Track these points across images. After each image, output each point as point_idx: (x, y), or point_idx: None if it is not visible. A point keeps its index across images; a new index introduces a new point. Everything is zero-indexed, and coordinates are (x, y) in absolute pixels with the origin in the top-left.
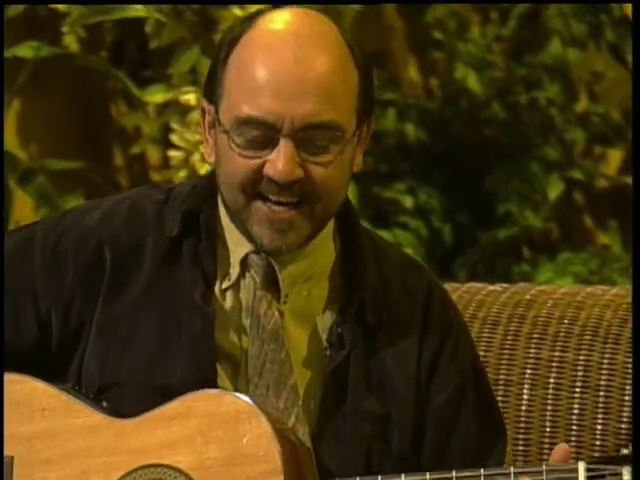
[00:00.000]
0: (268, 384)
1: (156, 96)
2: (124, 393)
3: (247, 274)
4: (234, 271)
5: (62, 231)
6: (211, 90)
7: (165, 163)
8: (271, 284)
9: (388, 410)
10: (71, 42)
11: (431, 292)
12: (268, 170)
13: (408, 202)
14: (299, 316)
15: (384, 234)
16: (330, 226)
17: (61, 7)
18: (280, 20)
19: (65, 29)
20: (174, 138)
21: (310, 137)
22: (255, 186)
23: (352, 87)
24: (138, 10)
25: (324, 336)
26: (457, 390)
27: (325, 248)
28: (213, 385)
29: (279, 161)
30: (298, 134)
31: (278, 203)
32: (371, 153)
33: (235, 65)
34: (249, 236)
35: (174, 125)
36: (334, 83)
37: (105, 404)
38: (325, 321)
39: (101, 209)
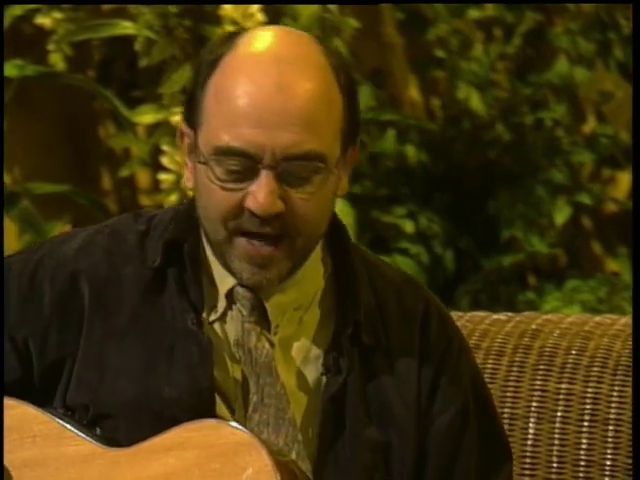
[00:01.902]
0: (267, 420)
1: (146, 117)
2: (118, 422)
3: (234, 307)
4: (220, 304)
5: (39, 260)
6: (190, 114)
7: (155, 187)
8: (260, 316)
9: (389, 437)
10: (57, 60)
11: (428, 309)
12: (249, 203)
13: (408, 227)
14: (291, 345)
15: (384, 259)
16: (318, 250)
17: (47, 24)
18: (261, 43)
19: (51, 47)
20: (165, 160)
21: (292, 169)
22: (236, 220)
23: (336, 113)
24: (127, 27)
25: (319, 362)
26: (460, 411)
27: (314, 274)
28: (211, 413)
29: (260, 194)
30: (279, 165)
31: (258, 236)
32: (370, 176)
33: (214, 91)
34: (230, 270)
35: (165, 147)
36: (317, 111)
37: (99, 431)
38: (318, 347)
39: (80, 238)
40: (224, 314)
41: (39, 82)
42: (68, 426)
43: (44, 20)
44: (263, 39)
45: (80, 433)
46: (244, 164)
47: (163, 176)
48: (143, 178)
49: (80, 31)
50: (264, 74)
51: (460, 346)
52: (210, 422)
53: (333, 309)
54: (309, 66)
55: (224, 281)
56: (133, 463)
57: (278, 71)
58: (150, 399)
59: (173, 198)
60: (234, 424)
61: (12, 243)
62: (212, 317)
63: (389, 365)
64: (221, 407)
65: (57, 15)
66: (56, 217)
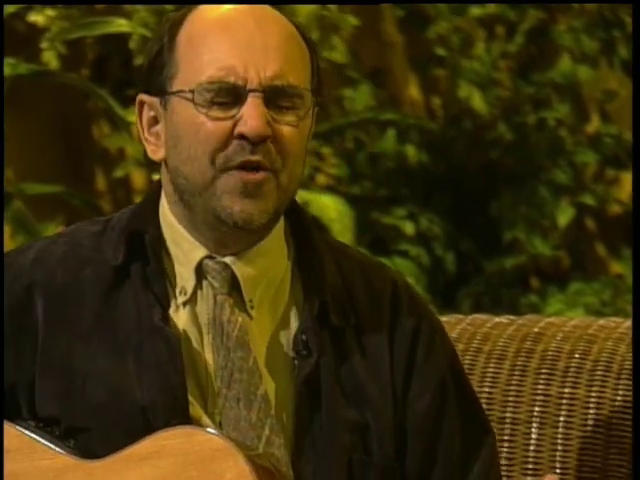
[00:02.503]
0: (238, 395)
1: None
2: (91, 430)
3: (204, 282)
4: (189, 283)
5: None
6: (153, 80)
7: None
8: (232, 289)
9: (365, 418)
10: (51, 59)
11: (397, 290)
12: (240, 128)
13: (409, 228)
14: (265, 324)
15: (383, 262)
16: (281, 227)
17: (40, 22)
18: (225, 4)
19: (44, 45)
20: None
21: (276, 97)
22: (226, 152)
23: (306, 59)
24: (122, 25)
25: (290, 344)
26: (438, 393)
27: (279, 248)
28: (185, 411)
29: (250, 116)
30: (265, 93)
31: (248, 166)
32: (369, 176)
33: (187, 40)
34: (210, 224)
35: None
36: (293, 50)
37: (72, 442)
38: (289, 329)
39: (36, 248)
40: (194, 293)
41: (32, 81)
42: (40, 439)
43: (37, 18)
44: (226, 3)
45: (53, 446)
46: (231, 91)
47: (158, 176)
48: (138, 178)
49: (74, 29)
50: (242, 17)
51: (432, 325)
52: (184, 429)
53: (300, 291)
54: (279, 18)
55: (191, 257)
56: (109, 475)
57: (254, 15)
58: (122, 401)
59: None
60: (210, 430)
61: (5, 244)
62: (181, 299)
63: (360, 346)
64: (194, 401)
65: (50, 13)
66: (49, 218)
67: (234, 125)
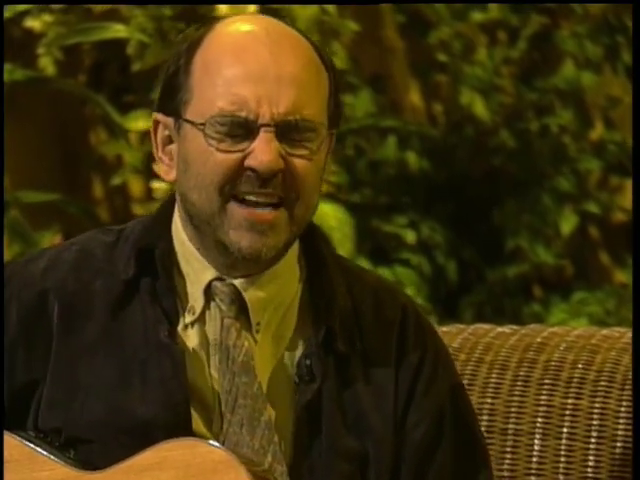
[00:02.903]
0: (241, 421)
1: (139, 123)
2: (92, 443)
3: (212, 304)
4: (198, 303)
5: (6, 279)
6: (169, 101)
7: (148, 195)
8: (239, 311)
9: (365, 447)
10: (47, 65)
11: (406, 317)
12: (250, 162)
13: (410, 237)
14: (270, 348)
15: (384, 271)
16: (295, 249)
17: (37, 27)
18: (245, 22)
19: (41, 50)
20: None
21: (289, 131)
22: (234, 183)
23: (324, 88)
24: (119, 31)
25: (294, 369)
26: (434, 423)
27: (291, 272)
28: (188, 428)
29: (261, 150)
30: (278, 127)
31: (256, 203)
32: (370, 184)
33: (202, 65)
34: (219, 251)
35: None
36: (308, 82)
37: (72, 453)
38: (294, 352)
39: (47, 257)
40: (202, 313)
41: (28, 87)
42: (40, 450)
43: (33, 23)
44: (245, 19)
45: (52, 457)
46: (243, 125)
47: (156, 184)
48: (136, 186)
49: (71, 34)
50: (257, 44)
51: (437, 355)
52: (187, 441)
53: (309, 316)
54: (297, 43)
55: (201, 277)
56: None
57: (270, 41)
58: (123, 418)
59: None
60: (211, 442)
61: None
62: (189, 318)
63: (365, 373)
64: (198, 420)
65: (47, 18)
66: (45, 227)
67: (244, 158)
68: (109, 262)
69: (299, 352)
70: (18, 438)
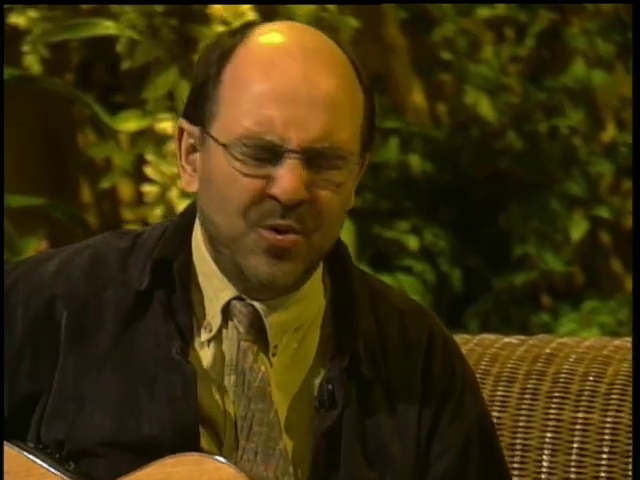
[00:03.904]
0: (256, 449)
1: (129, 124)
2: (95, 459)
3: (230, 323)
4: (214, 321)
5: (13, 283)
6: (196, 110)
7: (139, 199)
8: (257, 334)
9: (384, 479)
10: (33, 63)
11: (433, 340)
12: (274, 190)
13: (412, 243)
14: (288, 371)
15: (385, 279)
16: (319, 271)
17: (22, 24)
18: (279, 33)
19: (26, 48)
20: (149, 171)
21: (316, 159)
22: (258, 209)
23: (358, 111)
24: (108, 27)
25: (313, 393)
26: (459, 456)
27: (315, 293)
28: (195, 449)
29: (285, 179)
30: (305, 154)
31: (278, 231)
32: (371, 188)
33: (232, 79)
34: (236, 275)
35: (149, 156)
36: (342, 104)
37: (72, 466)
38: (315, 376)
39: (58, 259)
40: (219, 332)
41: (13, 86)
42: (39, 461)
43: (18, 19)
44: (280, 30)
45: (52, 469)
46: (268, 149)
47: (147, 188)
48: (125, 190)
49: (57, 31)
50: (288, 61)
51: (464, 382)
52: (193, 456)
53: (331, 338)
54: (334, 59)
55: (220, 295)
56: None
57: (303, 58)
58: (129, 436)
59: (158, 212)
60: (218, 458)
61: None
62: (205, 337)
63: (388, 401)
64: (207, 439)
65: (32, 14)
66: (31, 232)
67: (267, 184)
68: (123, 270)
69: (321, 376)
70: (16, 449)
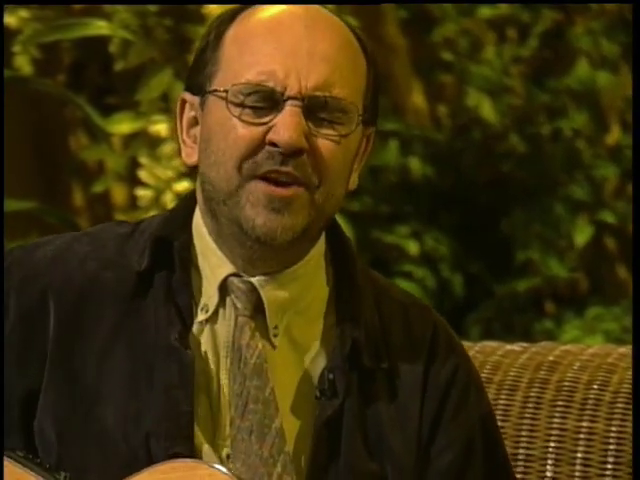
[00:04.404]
0: (251, 427)
1: (122, 126)
2: (87, 459)
3: (227, 300)
4: (212, 300)
5: (7, 267)
6: (196, 78)
7: (132, 203)
8: (256, 312)
9: (385, 470)
10: (24, 64)
11: (437, 336)
12: (272, 136)
13: (412, 248)
14: (291, 354)
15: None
16: (320, 252)
17: (12, 23)
18: (282, 5)
19: (17, 49)
20: (143, 174)
21: (317, 109)
22: (254, 159)
23: (360, 73)
24: (101, 27)
25: (315, 382)
26: (462, 452)
27: (315, 275)
28: (189, 439)
29: (284, 125)
30: (305, 102)
31: (276, 181)
32: (370, 192)
33: (233, 39)
34: (235, 238)
35: (143, 159)
36: (345, 59)
37: (63, 475)
38: (317, 365)
39: (55, 245)
40: (215, 312)
41: (3, 87)
42: (28, 471)
43: (9, 19)
44: (283, 4)
45: (42, 479)
46: (269, 99)
47: (141, 192)
48: (118, 194)
49: (49, 31)
50: (292, 19)
51: (469, 379)
52: (186, 462)
53: (333, 327)
54: (335, 23)
55: (218, 272)
56: None
57: (307, 17)
58: (129, 428)
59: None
60: (213, 465)
61: None
62: (202, 317)
63: (390, 393)
64: (206, 419)
65: (23, 14)
66: (22, 237)
67: (266, 132)
68: (121, 254)
69: (321, 363)
70: (7, 459)
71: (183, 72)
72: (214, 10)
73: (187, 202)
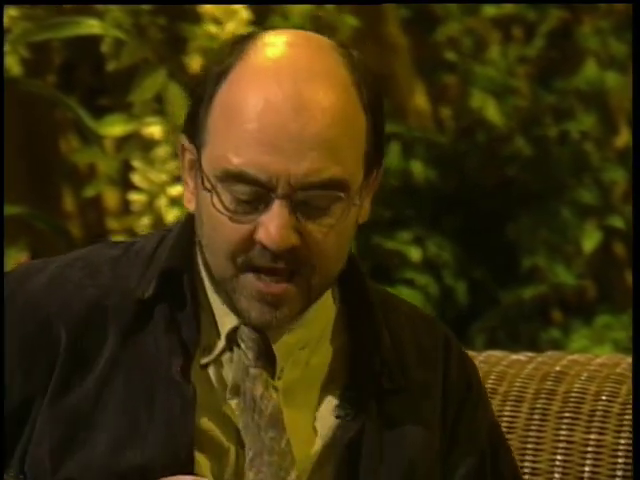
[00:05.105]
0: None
1: (114, 128)
2: None
3: (235, 349)
4: (218, 345)
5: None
6: (192, 130)
7: (125, 208)
8: (264, 359)
9: None
10: (13, 64)
11: (449, 349)
12: (260, 236)
13: (414, 254)
14: (296, 390)
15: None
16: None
17: None
18: (275, 52)
19: (6, 48)
20: (136, 178)
21: (309, 198)
22: (246, 254)
23: (359, 136)
24: (93, 26)
25: (332, 405)
26: (475, 467)
27: (323, 309)
28: (189, 473)
29: (272, 226)
30: (295, 195)
31: (270, 271)
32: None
33: (222, 108)
34: (234, 309)
35: (136, 163)
36: (338, 135)
37: None
38: (332, 388)
39: (48, 272)
40: (219, 356)
41: None
42: None
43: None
44: (277, 47)
45: None
46: (255, 192)
47: (134, 196)
48: (111, 199)
49: (39, 30)
50: (279, 92)
51: (479, 391)
52: (185, 479)
53: (345, 346)
54: (329, 82)
55: (225, 319)
56: None
57: (295, 89)
58: (123, 459)
59: (145, 221)
60: None
61: None
62: (205, 359)
63: (410, 412)
64: (210, 464)
65: (12, 12)
66: (11, 243)
67: (255, 229)
68: (117, 278)
69: (337, 387)
70: None
71: (177, 72)
72: (210, 8)
73: (187, 230)
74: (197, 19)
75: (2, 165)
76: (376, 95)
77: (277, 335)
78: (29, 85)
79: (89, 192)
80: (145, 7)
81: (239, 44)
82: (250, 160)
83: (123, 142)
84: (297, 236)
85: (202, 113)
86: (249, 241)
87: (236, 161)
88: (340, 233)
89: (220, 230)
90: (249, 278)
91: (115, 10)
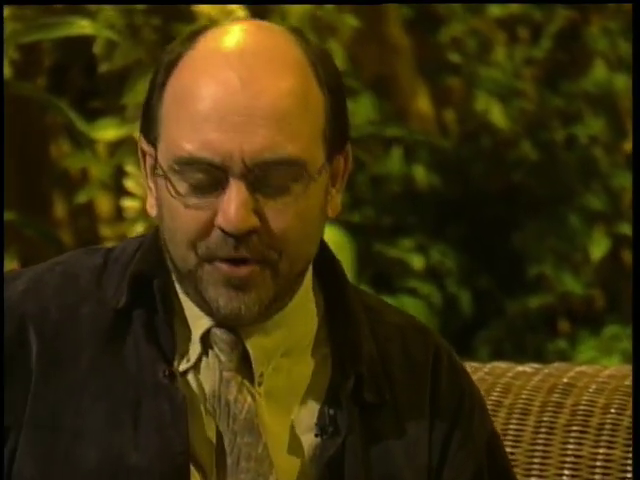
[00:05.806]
0: None
1: (107, 132)
2: None
3: (210, 352)
4: (194, 350)
5: None
6: (148, 128)
7: (118, 215)
8: (241, 363)
9: None
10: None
11: (439, 360)
12: (218, 220)
13: (417, 263)
14: (278, 399)
15: (388, 301)
16: (307, 287)
17: None
18: (225, 38)
19: None
20: (129, 184)
21: (266, 176)
22: (207, 242)
23: (316, 113)
24: (84, 27)
25: (312, 420)
26: None
27: (303, 314)
28: (185, 479)
29: (230, 208)
30: (251, 174)
31: (234, 263)
32: (371, 202)
33: (172, 95)
34: (204, 304)
35: (129, 168)
36: (290, 109)
37: None
38: (312, 402)
39: (26, 277)
40: (198, 362)
41: None
42: None
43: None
44: (228, 33)
45: None
46: (211, 175)
47: (127, 202)
48: (103, 204)
49: (28, 31)
50: (227, 69)
51: (473, 402)
52: None
53: (327, 358)
54: (279, 58)
55: (198, 323)
56: None
57: (242, 64)
58: (114, 467)
59: (139, 228)
60: None
61: None
62: (183, 366)
63: (396, 426)
64: (195, 475)
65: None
66: None
67: (213, 213)
68: (97, 287)
69: (318, 401)
70: None
71: None
72: (206, 8)
73: (158, 238)
74: (192, 19)
75: (2, 165)
76: (334, 75)
77: (251, 336)
78: (19, 88)
79: (81, 198)
80: (139, 7)
81: (192, 35)
82: (202, 142)
83: (116, 146)
84: (256, 218)
85: (154, 105)
86: (208, 228)
87: (188, 147)
88: (302, 215)
89: (178, 219)
90: (213, 266)
91: (108, 10)
